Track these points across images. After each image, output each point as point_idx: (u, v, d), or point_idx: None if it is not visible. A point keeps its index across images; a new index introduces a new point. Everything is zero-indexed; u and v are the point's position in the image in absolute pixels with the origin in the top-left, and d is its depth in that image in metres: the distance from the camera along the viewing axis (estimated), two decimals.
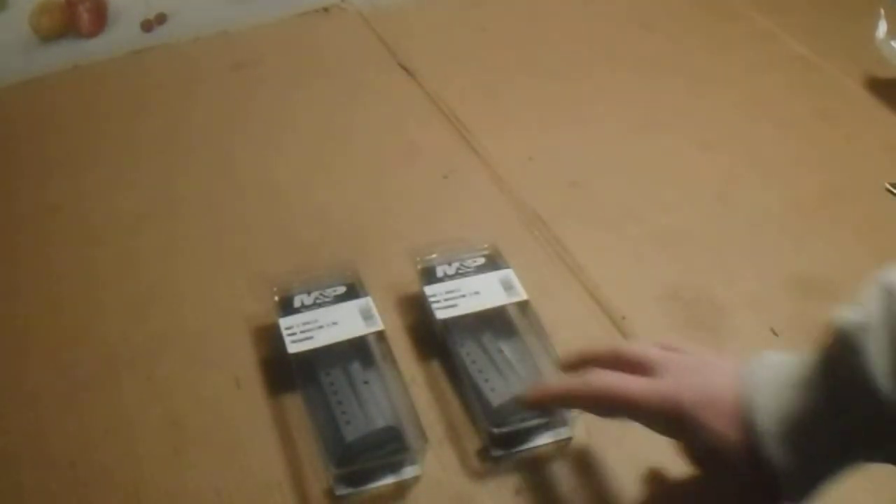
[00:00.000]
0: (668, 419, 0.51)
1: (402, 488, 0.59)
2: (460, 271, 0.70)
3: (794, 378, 0.48)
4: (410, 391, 0.63)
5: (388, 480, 0.59)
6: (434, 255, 0.71)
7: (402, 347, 0.68)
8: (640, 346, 0.56)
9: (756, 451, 0.48)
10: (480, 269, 0.70)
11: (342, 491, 0.59)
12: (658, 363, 0.53)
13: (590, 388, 0.54)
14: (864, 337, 0.44)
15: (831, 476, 0.48)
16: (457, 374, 0.65)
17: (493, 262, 0.71)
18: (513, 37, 1.07)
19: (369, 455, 0.59)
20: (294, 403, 0.64)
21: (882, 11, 1.00)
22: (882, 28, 0.99)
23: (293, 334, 0.64)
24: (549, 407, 0.59)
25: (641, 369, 0.53)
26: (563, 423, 0.62)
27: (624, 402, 0.52)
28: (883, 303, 0.44)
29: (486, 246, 0.72)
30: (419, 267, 0.70)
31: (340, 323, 0.65)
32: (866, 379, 0.43)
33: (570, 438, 0.62)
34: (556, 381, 0.57)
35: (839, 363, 0.46)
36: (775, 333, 0.70)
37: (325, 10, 1.11)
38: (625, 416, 0.54)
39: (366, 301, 0.67)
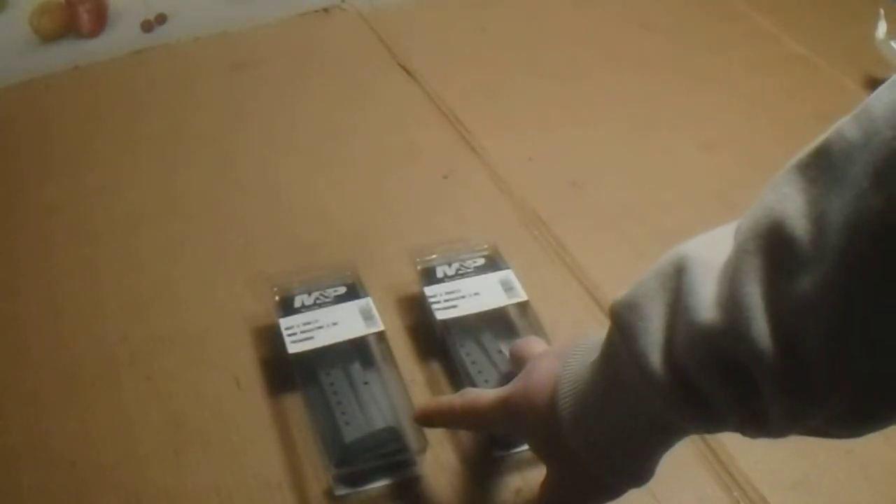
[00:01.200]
0: (505, 425, 0.54)
1: (401, 489, 0.59)
2: (460, 272, 0.70)
3: (590, 361, 0.47)
4: (410, 392, 0.63)
5: (388, 481, 0.59)
6: (434, 256, 0.71)
7: (402, 348, 0.68)
8: (526, 343, 0.57)
9: (563, 442, 0.48)
10: (480, 270, 0.70)
11: (341, 491, 0.59)
12: (524, 362, 0.54)
13: (454, 413, 0.55)
14: (631, 317, 0.42)
15: (644, 459, 0.47)
16: (457, 375, 0.65)
17: (493, 263, 0.71)
18: (513, 37, 1.07)
19: (369, 456, 0.59)
20: (294, 403, 0.64)
21: (882, 12, 1.00)
22: (882, 28, 0.99)
23: (293, 334, 0.64)
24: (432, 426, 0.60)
25: (521, 363, 0.54)
26: None
27: (477, 421, 0.55)
28: (663, 278, 0.42)
29: (485, 246, 0.72)
30: (419, 267, 0.70)
31: (341, 323, 0.65)
32: (638, 362, 0.41)
33: None
34: (435, 402, 0.58)
35: (613, 346, 0.45)
36: None
37: (325, 10, 1.11)
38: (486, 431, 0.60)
39: (366, 301, 0.67)
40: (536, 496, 0.54)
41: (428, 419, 0.57)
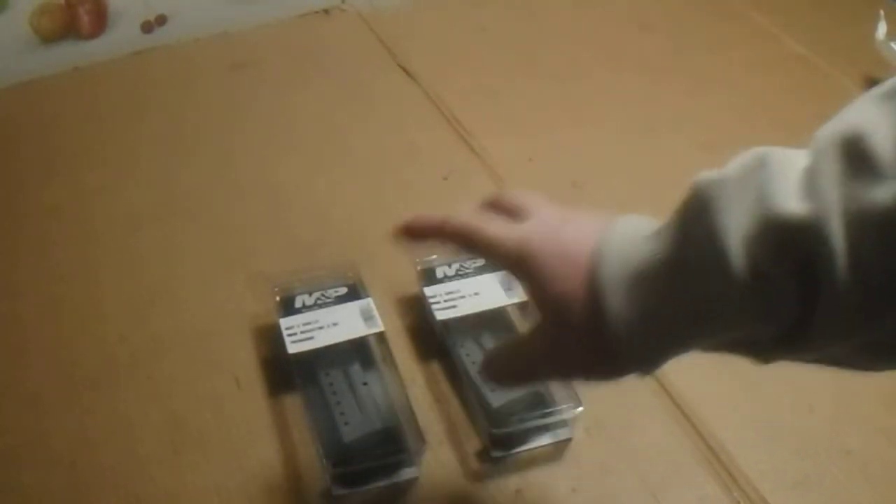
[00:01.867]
0: (517, 261, 0.48)
1: (400, 489, 0.59)
2: (460, 272, 0.70)
3: (647, 230, 0.46)
4: (410, 392, 0.63)
5: (386, 481, 0.59)
6: (434, 256, 0.71)
7: (401, 348, 0.68)
8: (521, 193, 0.53)
9: (596, 302, 0.44)
10: (481, 271, 0.70)
11: (339, 491, 0.59)
12: (530, 211, 0.51)
13: (449, 224, 0.51)
14: (717, 192, 0.41)
15: (672, 347, 0.45)
16: (457, 375, 0.65)
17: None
18: (513, 38, 1.07)
19: (367, 456, 0.59)
20: (294, 404, 0.64)
21: (882, 12, 1.00)
22: (882, 29, 0.99)
23: (293, 334, 0.64)
24: (418, 240, 0.54)
25: (516, 215, 0.51)
26: (563, 425, 0.63)
27: (478, 240, 0.50)
28: (746, 169, 0.41)
29: None
30: (419, 268, 0.71)
31: (341, 324, 0.65)
32: (714, 235, 0.40)
33: (569, 439, 0.63)
34: (423, 216, 0.54)
35: (690, 217, 0.43)
36: None
37: (325, 11, 1.11)
38: (482, 257, 0.55)
39: (367, 302, 0.67)
40: (518, 343, 0.51)
41: (412, 233, 0.54)
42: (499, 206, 0.53)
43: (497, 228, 0.50)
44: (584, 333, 0.45)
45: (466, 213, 0.52)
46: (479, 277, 0.69)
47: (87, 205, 0.82)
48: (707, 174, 0.42)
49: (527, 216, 0.50)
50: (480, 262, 0.71)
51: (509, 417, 0.61)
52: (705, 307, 0.42)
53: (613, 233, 0.46)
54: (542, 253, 0.47)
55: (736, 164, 0.42)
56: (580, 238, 0.47)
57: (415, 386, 0.65)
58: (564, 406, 0.61)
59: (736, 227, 0.40)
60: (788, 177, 0.39)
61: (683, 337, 0.44)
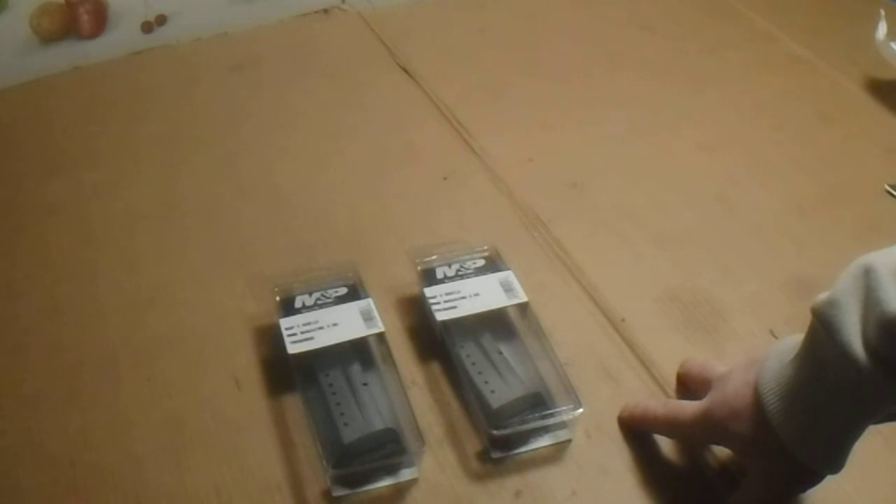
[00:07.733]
0: (706, 437, 0.60)
1: (399, 490, 0.59)
2: (460, 273, 0.70)
3: (791, 356, 0.53)
4: (410, 393, 0.63)
5: (386, 482, 0.60)
6: (434, 257, 0.71)
7: (401, 349, 0.68)
8: (706, 367, 0.62)
9: (766, 430, 0.52)
10: (480, 271, 0.70)
11: (339, 492, 0.59)
12: (713, 381, 0.58)
13: (657, 421, 0.61)
14: (833, 312, 0.49)
15: (842, 441, 0.51)
16: (457, 376, 0.65)
17: (493, 264, 0.71)
18: (512, 38, 1.07)
19: (367, 457, 0.59)
20: (294, 404, 0.64)
21: (882, 13, 1.00)
22: (882, 29, 0.99)
23: (293, 335, 0.64)
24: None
25: (707, 388, 0.59)
26: (563, 426, 0.63)
27: (678, 431, 0.61)
28: (854, 279, 0.48)
29: (485, 247, 0.72)
30: (419, 268, 0.71)
31: (341, 324, 0.65)
32: (842, 350, 0.48)
33: (569, 441, 0.63)
34: (641, 409, 0.63)
35: (817, 339, 0.50)
36: (774, 335, 0.70)
37: (325, 11, 1.11)
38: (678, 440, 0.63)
39: (367, 302, 0.67)
40: (737, 500, 0.57)
41: (632, 421, 0.63)
42: (691, 377, 0.64)
43: (685, 416, 0.58)
44: (778, 464, 0.53)
45: (665, 407, 0.61)
46: (479, 278, 0.69)
47: (87, 204, 0.82)
48: (821, 298, 0.50)
49: (699, 388, 0.60)
50: (481, 262, 0.71)
51: (509, 419, 0.61)
52: (853, 406, 0.50)
53: (766, 367, 0.54)
54: (718, 420, 0.55)
55: (845, 277, 0.49)
56: (740, 392, 0.55)
57: (415, 386, 0.65)
58: (564, 408, 0.61)
59: (857, 336, 0.47)
60: (892, 281, 0.47)
61: (847, 432, 0.52)
